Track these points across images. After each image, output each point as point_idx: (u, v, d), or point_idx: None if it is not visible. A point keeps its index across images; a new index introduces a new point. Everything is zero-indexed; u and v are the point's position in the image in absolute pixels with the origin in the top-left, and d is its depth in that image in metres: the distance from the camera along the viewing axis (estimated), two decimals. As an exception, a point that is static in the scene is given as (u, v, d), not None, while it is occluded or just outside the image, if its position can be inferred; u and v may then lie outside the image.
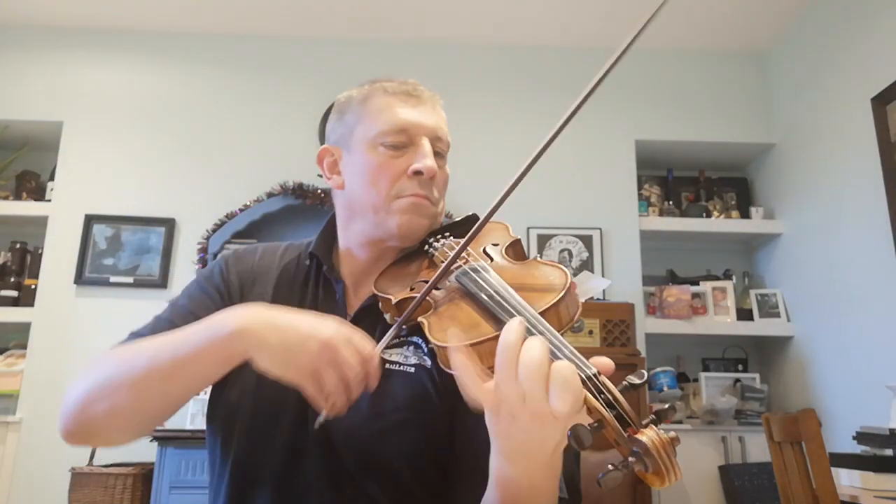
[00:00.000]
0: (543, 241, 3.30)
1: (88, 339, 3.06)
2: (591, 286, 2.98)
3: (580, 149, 3.40)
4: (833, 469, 1.90)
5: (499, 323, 0.64)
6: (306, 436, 0.82)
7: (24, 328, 3.09)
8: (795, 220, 3.27)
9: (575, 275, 3.19)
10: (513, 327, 0.58)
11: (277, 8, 3.33)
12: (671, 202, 3.50)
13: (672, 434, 0.52)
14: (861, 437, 2.21)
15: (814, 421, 1.85)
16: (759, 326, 3.25)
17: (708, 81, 3.55)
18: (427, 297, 0.74)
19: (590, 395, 0.55)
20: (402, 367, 0.85)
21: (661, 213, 3.47)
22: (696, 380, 3.23)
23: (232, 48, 3.51)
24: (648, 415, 0.54)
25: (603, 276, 3.19)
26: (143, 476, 2.54)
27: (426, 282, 0.76)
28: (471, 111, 3.43)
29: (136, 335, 0.91)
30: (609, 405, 0.54)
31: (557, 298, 0.64)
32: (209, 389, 0.94)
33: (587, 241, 3.29)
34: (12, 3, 3.30)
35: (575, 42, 3.53)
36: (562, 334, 0.62)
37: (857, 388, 2.74)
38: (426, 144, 0.89)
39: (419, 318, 0.72)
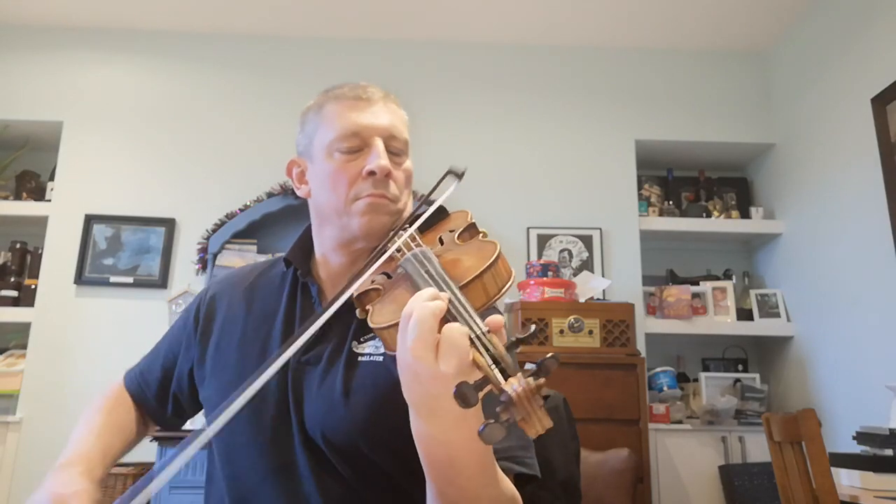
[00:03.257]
0: (543, 241, 3.29)
1: (88, 339, 3.06)
2: (591, 286, 2.98)
3: (580, 149, 3.41)
4: (833, 469, 1.90)
5: None
6: (289, 426, 0.88)
7: (24, 328, 3.10)
8: (795, 220, 3.27)
9: (575, 275, 3.19)
10: (422, 295, 0.63)
11: (278, 8, 3.33)
12: (671, 202, 3.50)
13: (540, 381, 0.53)
14: (861, 437, 2.21)
15: (814, 421, 1.85)
16: (759, 326, 3.25)
17: (708, 81, 3.55)
18: (378, 286, 0.78)
19: (476, 353, 0.57)
20: (371, 358, 0.89)
21: (661, 213, 3.46)
22: (696, 380, 3.23)
23: (232, 48, 3.51)
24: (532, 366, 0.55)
25: (603, 276, 3.19)
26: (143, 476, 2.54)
27: (384, 273, 0.81)
28: (470, 110, 3.44)
29: (131, 372, 1.12)
30: (494, 361, 0.56)
31: (479, 271, 0.69)
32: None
33: (587, 241, 3.29)
34: (12, 3, 3.30)
35: (573, 42, 3.53)
36: (495, 299, 0.69)
37: (857, 388, 2.74)
38: (379, 144, 0.91)
39: (367, 307, 0.76)
